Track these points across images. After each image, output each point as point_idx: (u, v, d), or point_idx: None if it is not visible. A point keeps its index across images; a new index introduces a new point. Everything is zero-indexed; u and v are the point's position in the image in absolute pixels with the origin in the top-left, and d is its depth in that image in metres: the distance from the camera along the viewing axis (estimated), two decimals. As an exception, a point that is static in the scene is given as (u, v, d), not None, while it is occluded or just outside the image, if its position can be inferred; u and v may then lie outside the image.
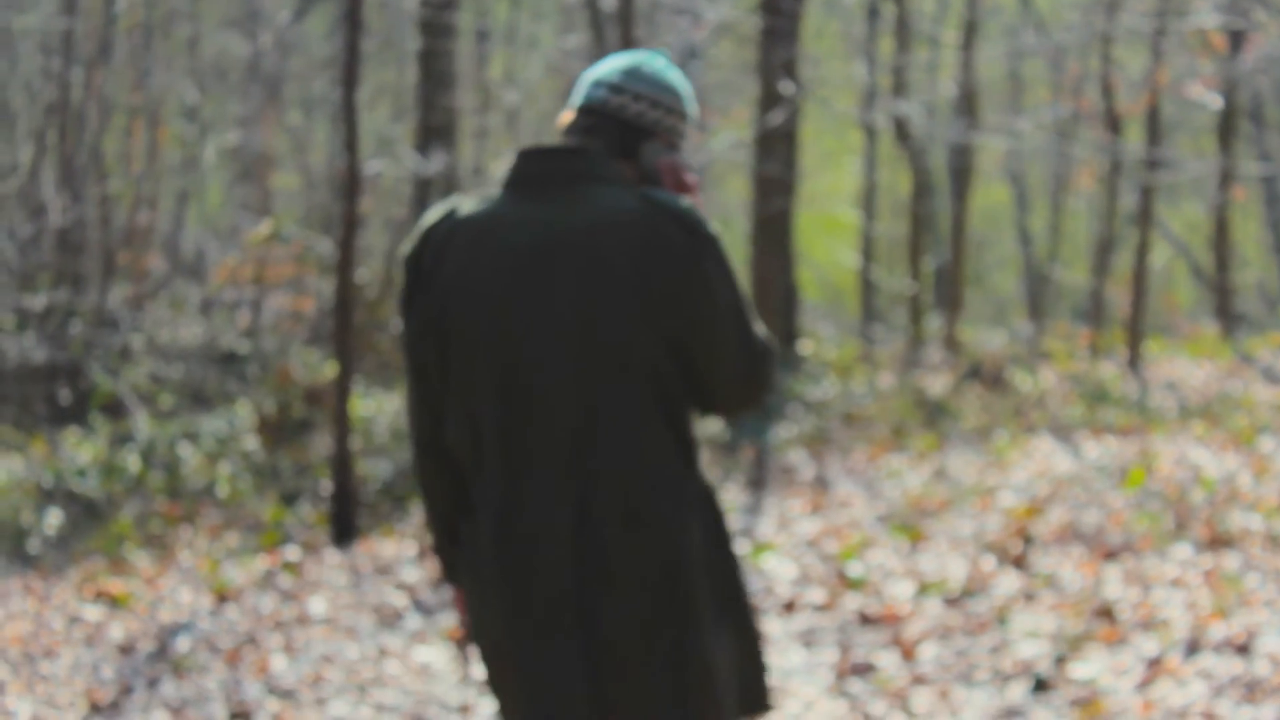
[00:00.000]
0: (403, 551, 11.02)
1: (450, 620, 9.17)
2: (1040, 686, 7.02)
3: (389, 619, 9.34)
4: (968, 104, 21.93)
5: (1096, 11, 20.94)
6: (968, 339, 22.39)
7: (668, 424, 3.60)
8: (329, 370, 14.68)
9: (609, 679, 3.52)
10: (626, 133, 3.74)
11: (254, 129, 24.98)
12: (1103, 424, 14.01)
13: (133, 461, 14.49)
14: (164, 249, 24.63)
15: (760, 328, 3.70)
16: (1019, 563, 9.07)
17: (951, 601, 8.55)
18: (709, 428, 14.39)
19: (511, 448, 3.57)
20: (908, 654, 7.80)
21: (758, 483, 12.93)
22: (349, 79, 11.62)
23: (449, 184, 21.31)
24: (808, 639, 8.20)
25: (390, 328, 19.39)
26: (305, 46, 25.64)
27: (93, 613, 10.08)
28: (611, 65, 3.79)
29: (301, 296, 21.55)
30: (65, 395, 17.80)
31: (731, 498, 12.20)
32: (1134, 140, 22.33)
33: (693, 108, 3.87)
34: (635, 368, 3.54)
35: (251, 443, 15.08)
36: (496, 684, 3.67)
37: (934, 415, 15.54)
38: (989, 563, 9.17)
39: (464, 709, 7.60)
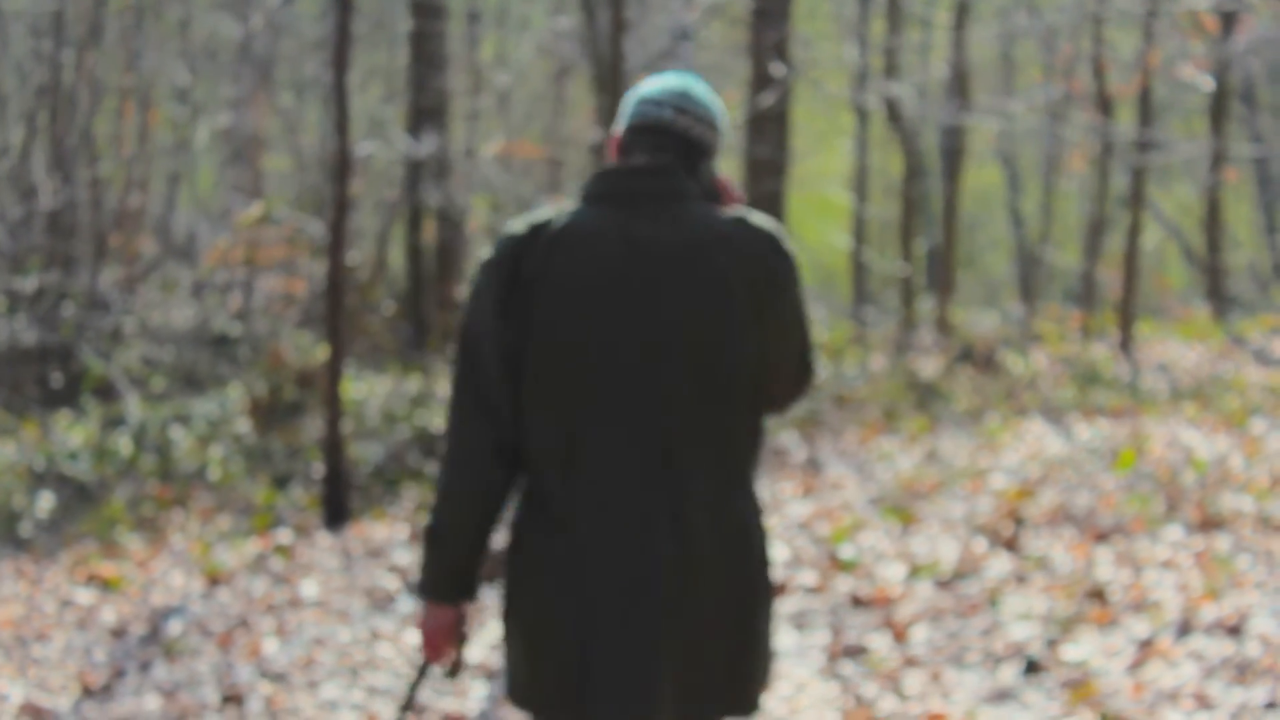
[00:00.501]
0: (394, 534, 11.02)
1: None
2: (1032, 668, 7.03)
3: (381, 602, 9.35)
4: (959, 85, 21.90)
5: (1088, -7, 20.92)
6: (959, 321, 22.35)
7: (750, 427, 3.90)
8: (320, 353, 14.66)
9: (689, 653, 3.80)
10: (690, 151, 3.95)
11: (245, 111, 24.93)
12: (1094, 406, 14.02)
13: (124, 444, 14.48)
14: (155, 231, 24.60)
15: (814, 337, 4.03)
16: (1010, 545, 9.08)
17: (943, 584, 8.56)
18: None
19: (618, 437, 3.79)
20: (899, 636, 7.81)
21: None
22: (340, 61, 11.59)
23: (440, 166, 21.29)
24: (799, 621, 8.21)
25: (381, 310, 19.38)
26: (296, 28, 25.57)
27: (85, 596, 10.08)
28: (664, 86, 3.99)
29: (293, 279, 21.53)
30: (57, 378, 17.78)
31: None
32: (1125, 122, 22.31)
33: (726, 128, 4.07)
34: (731, 373, 3.81)
35: (243, 425, 15.07)
36: (557, 650, 3.82)
37: (926, 397, 15.54)
38: (980, 545, 9.17)
39: (457, 692, 7.61)
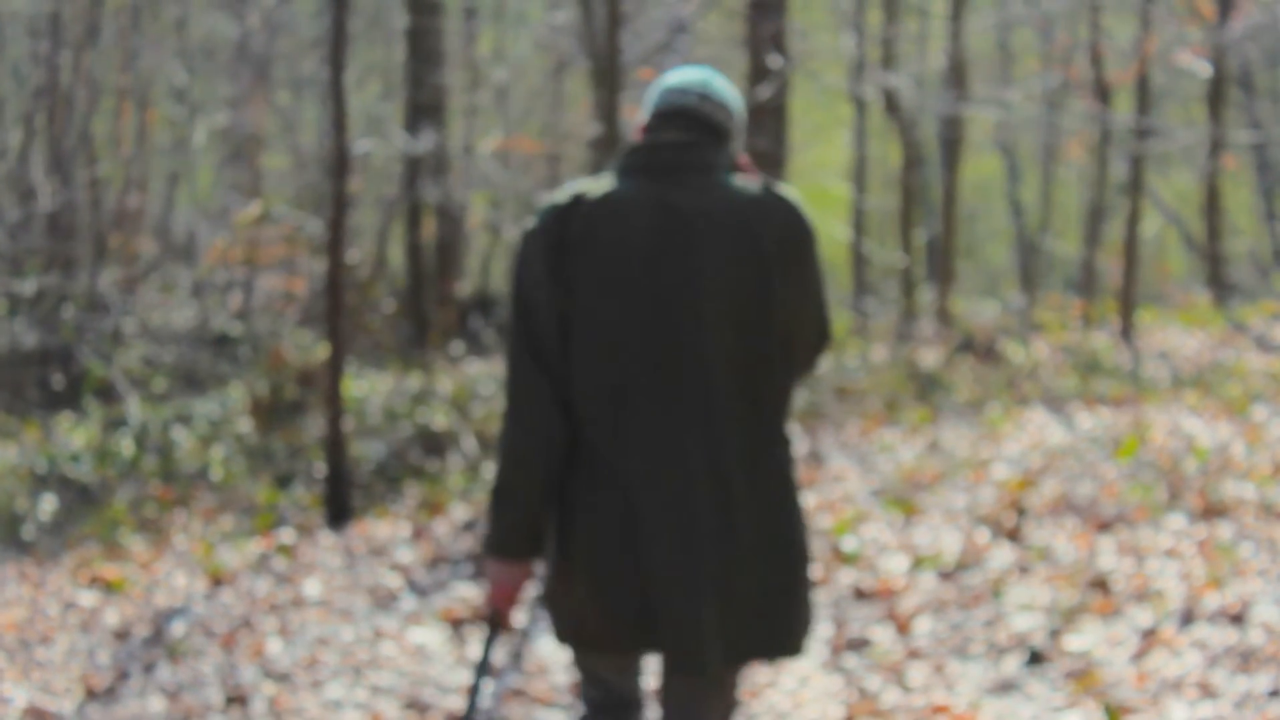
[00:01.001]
0: (397, 533, 11.01)
1: (444, 601, 9.17)
2: (1035, 659, 7.03)
3: (384, 601, 9.34)
4: (957, 75, 21.89)
5: (1085, -19, 20.92)
6: (960, 311, 22.36)
7: (782, 383, 4.20)
8: (321, 351, 14.65)
9: (732, 596, 4.09)
10: (713, 133, 4.26)
11: (243, 110, 24.92)
12: (1095, 395, 14.01)
13: (126, 446, 14.48)
14: (154, 231, 24.62)
15: (830, 308, 4.35)
16: (1013, 535, 9.07)
17: (946, 575, 8.55)
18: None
19: (660, 393, 4.08)
20: (902, 628, 7.81)
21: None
22: (337, 59, 11.58)
23: (439, 162, 21.28)
24: (803, 615, 8.20)
25: (381, 307, 19.37)
26: (293, 26, 25.56)
27: (88, 598, 10.08)
28: (688, 77, 4.33)
29: (293, 277, 21.52)
30: (58, 380, 17.79)
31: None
32: (1124, 109, 22.31)
33: (743, 117, 4.39)
34: (766, 330, 4.12)
35: (245, 425, 15.07)
36: (608, 596, 4.10)
37: (927, 388, 15.54)
38: (983, 535, 9.17)
39: (461, 690, 7.60)
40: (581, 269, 4.08)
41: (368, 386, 16.19)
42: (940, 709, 6.63)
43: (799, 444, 13.16)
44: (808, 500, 10.72)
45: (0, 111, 21.58)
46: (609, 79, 11.72)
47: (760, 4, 16.89)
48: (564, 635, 4.22)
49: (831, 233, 31.13)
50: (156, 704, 7.87)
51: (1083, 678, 6.68)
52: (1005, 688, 6.83)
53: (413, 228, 22.28)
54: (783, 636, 4.18)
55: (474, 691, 4.42)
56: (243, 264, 21.61)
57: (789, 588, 4.16)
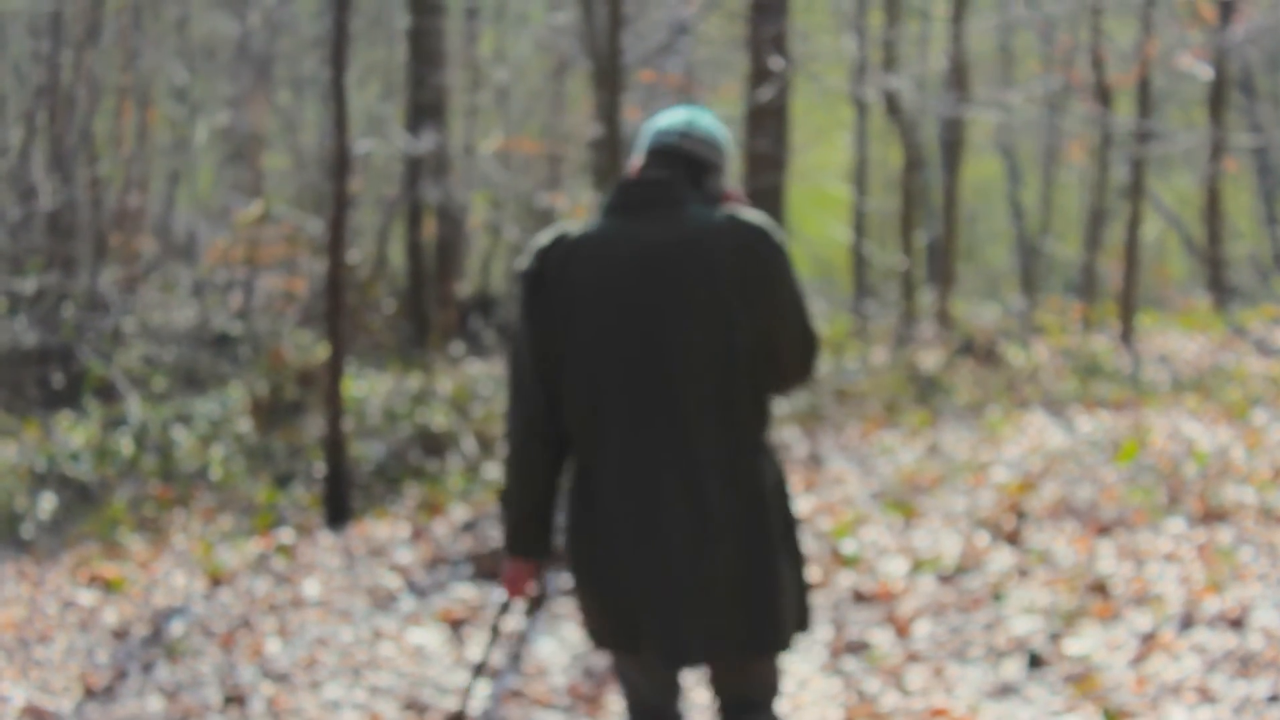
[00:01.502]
0: (396, 533, 11.01)
1: (443, 602, 9.17)
2: (1035, 663, 7.03)
3: (383, 601, 9.34)
4: (958, 77, 21.87)
5: (1086, -16, 20.89)
6: (960, 313, 22.34)
7: (754, 396, 4.49)
8: (321, 351, 14.64)
9: (712, 602, 4.42)
10: (694, 168, 4.64)
11: (244, 109, 24.92)
12: (1095, 398, 14.00)
13: (126, 445, 14.48)
14: (155, 231, 24.59)
15: (813, 319, 4.63)
16: (1012, 539, 9.07)
17: (945, 578, 8.55)
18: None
19: (632, 414, 4.44)
20: (902, 631, 7.81)
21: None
22: (338, 58, 11.58)
23: (439, 163, 21.28)
24: (802, 617, 8.20)
25: (382, 308, 19.36)
26: (294, 26, 25.56)
27: (87, 597, 10.08)
28: (673, 118, 4.70)
29: (293, 277, 21.51)
30: (57, 379, 17.78)
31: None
32: (1124, 112, 22.29)
33: (730, 150, 4.75)
34: (729, 348, 4.43)
35: (244, 425, 15.06)
36: (606, 602, 4.54)
37: (927, 391, 15.53)
38: (982, 539, 9.17)
39: (459, 691, 7.60)
40: (560, 302, 4.51)
41: (367, 387, 16.18)
42: (939, 712, 6.63)
43: (799, 446, 13.16)
44: (807, 503, 10.72)
45: (1, 110, 21.57)
46: (610, 80, 11.73)
47: (761, 6, 16.90)
48: (586, 633, 4.68)
49: (832, 235, 31.14)
50: (155, 703, 7.87)
51: (1082, 681, 6.68)
52: (1004, 691, 6.83)
53: (413, 228, 22.27)
54: (764, 633, 4.48)
55: (490, 643, 5.20)
56: (243, 264, 21.61)
57: (768, 588, 4.46)
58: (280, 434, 14.56)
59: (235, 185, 25.19)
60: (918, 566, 8.76)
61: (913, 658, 7.42)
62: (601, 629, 4.59)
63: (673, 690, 4.77)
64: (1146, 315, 21.27)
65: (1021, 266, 31.84)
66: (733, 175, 4.77)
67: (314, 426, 14.40)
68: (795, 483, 11.62)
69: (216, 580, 10.13)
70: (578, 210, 20.62)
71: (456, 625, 8.71)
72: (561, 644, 8.23)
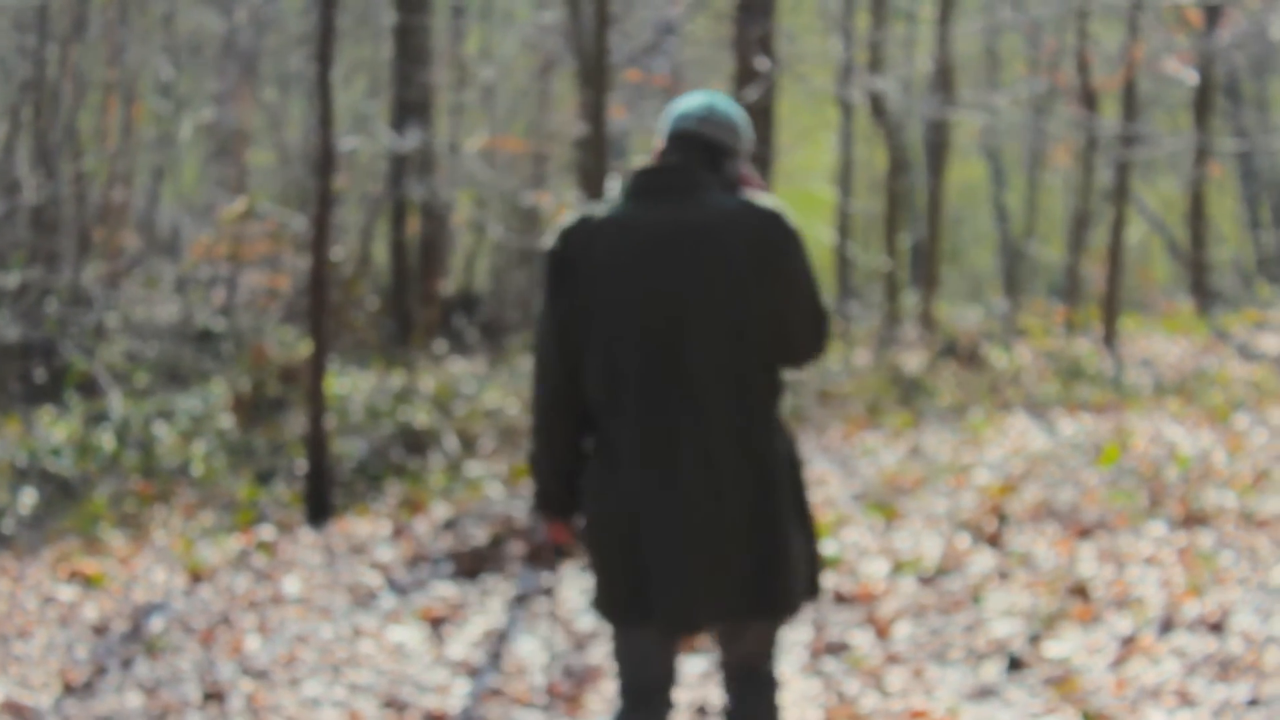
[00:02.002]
0: (377, 531, 11.00)
1: (424, 600, 9.16)
2: (1014, 665, 7.04)
3: (363, 599, 9.33)
4: (944, 79, 21.89)
5: (1072, -13, 20.90)
6: (944, 315, 22.36)
7: (766, 372, 4.72)
8: (304, 348, 14.62)
9: (719, 566, 4.62)
10: (714, 152, 4.84)
11: (229, 105, 24.89)
12: (1078, 401, 14.01)
13: (107, 440, 14.45)
14: (139, 226, 24.53)
15: (825, 298, 4.82)
16: (994, 541, 9.08)
17: (926, 580, 8.55)
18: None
19: (649, 387, 4.65)
20: (882, 633, 7.81)
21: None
22: (324, 55, 11.57)
23: (424, 160, 21.26)
24: (782, 618, 8.19)
25: (365, 305, 19.34)
26: (280, 22, 25.52)
27: (67, 593, 10.06)
28: (693, 103, 4.90)
29: (277, 274, 21.47)
30: (40, 374, 17.74)
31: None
32: (1110, 116, 22.31)
33: (749, 134, 4.95)
34: (740, 324, 4.65)
35: (226, 421, 15.04)
36: (622, 561, 4.69)
37: (909, 392, 15.54)
38: (964, 541, 9.17)
39: (439, 689, 7.60)
40: (584, 281, 4.71)
41: (350, 384, 16.16)
42: (919, 714, 6.63)
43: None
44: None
45: (-14, 104, 21.51)
46: (596, 79, 11.71)
47: (748, 6, 16.88)
48: (592, 603, 4.84)
49: (816, 236, 31.13)
50: (134, 699, 7.86)
51: (1062, 684, 6.69)
52: (984, 693, 6.83)
53: (397, 225, 22.25)
54: (771, 598, 4.68)
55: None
56: (227, 260, 21.55)
57: (779, 556, 4.66)
58: (262, 430, 14.54)
59: (220, 181, 25.15)
60: (898, 568, 8.76)
61: (893, 659, 7.42)
62: (613, 599, 4.75)
63: (668, 673, 4.92)
64: (1129, 319, 21.30)
65: (1005, 269, 31.88)
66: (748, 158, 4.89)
67: (296, 423, 14.38)
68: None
69: (197, 576, 10.11)
70: (562, 209, 20.62)
71: (437, 623, 8.70)
72: (541, 643, 8.22)
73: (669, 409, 4.66)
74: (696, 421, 4.64)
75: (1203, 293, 22.51)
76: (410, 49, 21.23)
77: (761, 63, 16.51)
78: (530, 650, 8.11)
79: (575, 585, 9.12)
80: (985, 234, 35.82)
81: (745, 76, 16.81)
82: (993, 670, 7.06)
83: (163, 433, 14.73)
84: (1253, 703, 6.14)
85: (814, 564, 4.84)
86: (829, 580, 8.70)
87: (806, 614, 8.20)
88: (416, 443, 13.80)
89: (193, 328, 20.27)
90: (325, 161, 11.58)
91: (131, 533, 11.83)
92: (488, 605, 9.00)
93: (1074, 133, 23.66)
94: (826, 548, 9.21)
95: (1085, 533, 9.00)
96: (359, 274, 21.50)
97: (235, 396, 15.19)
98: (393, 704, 7.46)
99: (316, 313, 11.66)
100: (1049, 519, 9.41)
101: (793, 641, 7.77)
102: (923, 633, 7.75)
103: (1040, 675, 6.89)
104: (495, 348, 21.07)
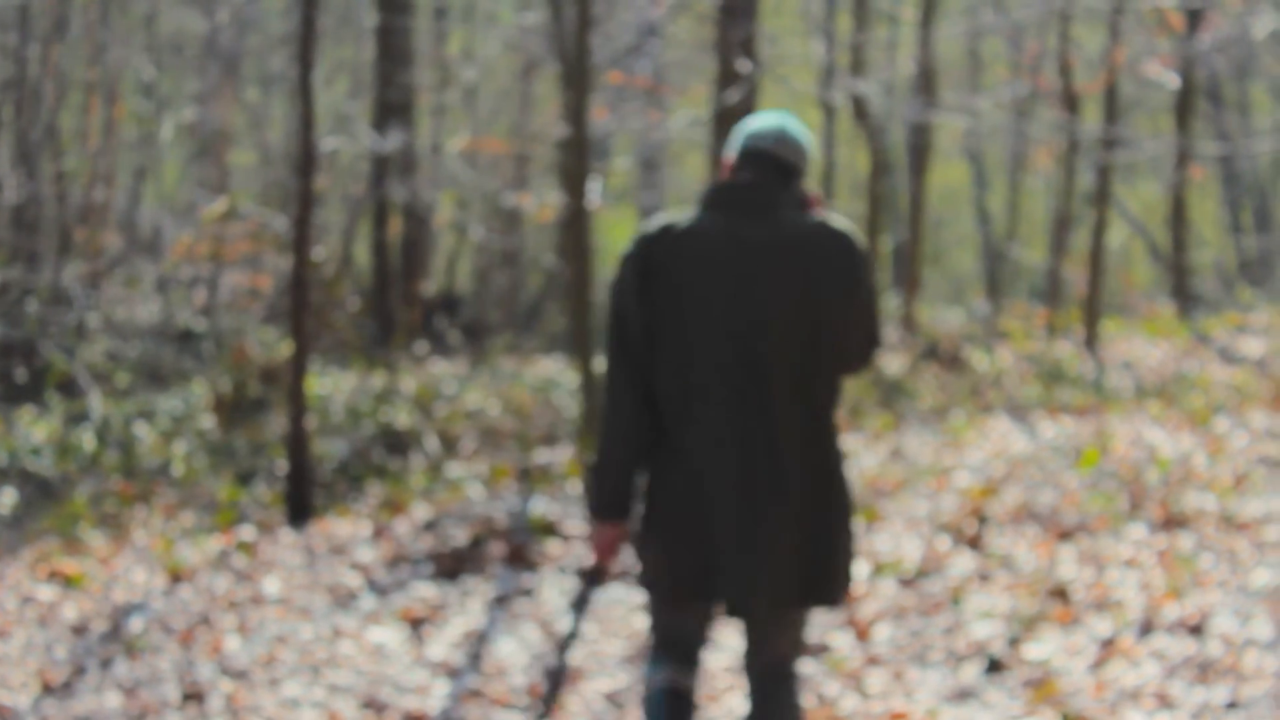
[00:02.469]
0: (358, 531, 10.99)
1: (404, 600, 9.15)
2: (994, 667, 7.05)
3: (343, 599, 9.32)
4: (926, 82, 21.89)
5: (1054, -10, 20.91)
6: (925, 318, 22.35)
7: (829, 379, 5.06)
8: (285, 349, 14.60)
9: (780, 553, 4.93)
10: (784, 172, 5.12)
11: (211, 105, 24.85)
12: (1059, 404, 14.02)
13: (88, 440, 14.43)
14: (120, 226, 24.47)
15: (880, 322, 5.18)
16: (974, 543, 9.09)
17: (906, 582, 8.56)
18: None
19: (727, 387, 4.94)
20: (862, 635, 7.82)
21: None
22: (306, 56, 11.56)
23: (406, 161, 21.25)
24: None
25: (346, 306, 19.29)
26: (262, 23, 25.52)
27: (46, 593, 10.03)
28: (767, 122, 5.18)
29: (258, 274, 21.42)
30: (20, 373, 17.68)
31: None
32: (1092, 119, 22.32)
33: (813, 155, 5.23)
34: (819, 337, 4.98)
35: (207, 421, 15.02)
36: (691, 546, 4.98)
37: (891, 395, 15.54)
38: (944, 543, 9.18)
39: (419, 690, 7.59)
40: (664, 288, 4.99)
41: (331, 384, 16.14)
42: (898, 716, 6.64)
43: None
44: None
45: (-34, 103, 21.45)
46: (578, 81, 11.69)
47: (730, 9, 16.86)
48: (645, 583, 5.14)
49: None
50: (113, 700, 7.85)
51: (1041, 686, 6.69)
52: (964, 695, 6.84)
53: (379, 226, 22.25)
54: (823, 587, 5.04)
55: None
56: (208, 260, 21.49)
57: (831, 548, 5.03)
58: (243, 431, 14.52)
59: (201, 181, 25.10)
60: (879, 570, 8.77)
61: (873, 661, 7.43)
62: (679, 581, 5.02)
63: (703, 638, 5.27)
64: (1111, 321, 21.31)
65: (987, 272, 31.91)
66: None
67: (277, 424, 14.36)
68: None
69: (177, 577, 10.10)
70: (544, 211, 20.61)
71: (416, 624, 8.69)
72: (521, 644, 8.22)
73: (743, 408, 4.93)
74: (768, 419, 4.93)
75: (1184, 296, 22.51)
76: (392, 50, 21.23)
77: (743, 65, 16.50)
78: (510, 651, 8.10)
79: (555, 587, 9.13)
80: (967, 236, 35.84)
81: (727, 79, 16.80)
82: (972, 672, 7.07)
83: (143, 433, 14.70)
84: (1232, 705, 6.16)
85: (850, 560, 5.13)
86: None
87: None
88: (397, 443, 13.79)
89: (174, 328, 20.24)
90: (307, 162, 11.56)
91: (111, 533, 11.80)
92: (468, 606, 8.99)
93: (1056, 136, 23.66)
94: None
95: (1065, 535, 9.01)
96: (340, 275, 21.46)
97: (216, 397, 15.17)
98: (372, 705, 7.46)
99: (298, 313, 11.64)
100: (1029, 521, 9.42)
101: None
102: (903, 635, 7.76)
103: (1020, 677, 6.90)
104: (477, 349, 21.05)
